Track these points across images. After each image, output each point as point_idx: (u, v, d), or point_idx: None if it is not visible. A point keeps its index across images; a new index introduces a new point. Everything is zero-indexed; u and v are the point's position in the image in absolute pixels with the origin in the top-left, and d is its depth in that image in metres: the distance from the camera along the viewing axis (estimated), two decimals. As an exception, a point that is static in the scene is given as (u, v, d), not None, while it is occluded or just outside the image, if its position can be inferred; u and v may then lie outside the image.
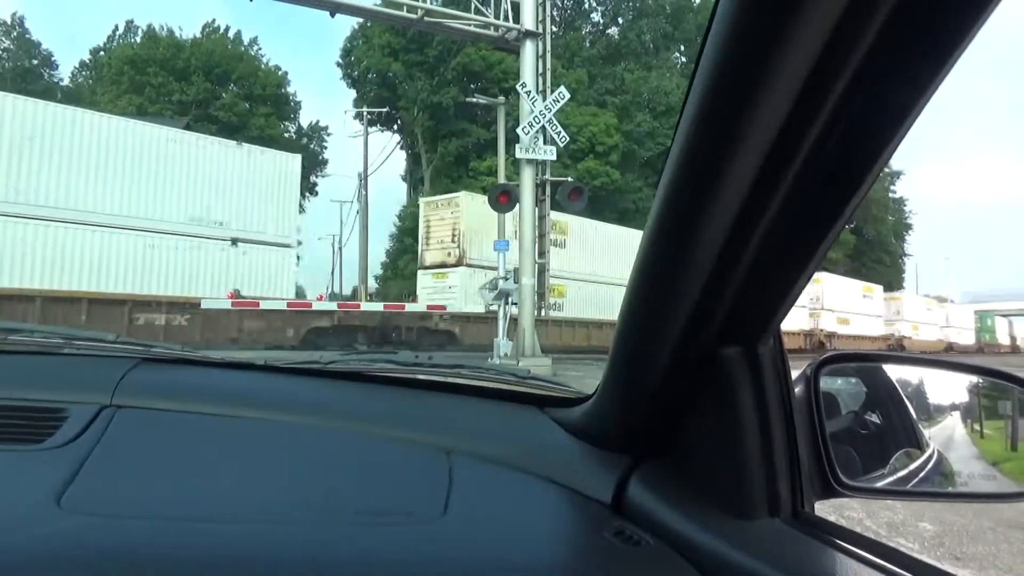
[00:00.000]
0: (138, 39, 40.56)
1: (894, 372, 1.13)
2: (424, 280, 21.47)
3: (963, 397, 1.13)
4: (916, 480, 1.02)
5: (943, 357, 1.11)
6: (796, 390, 0.82)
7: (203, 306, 15.97)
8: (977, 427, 1.10)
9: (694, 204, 0.63)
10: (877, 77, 0.52)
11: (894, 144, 0.56)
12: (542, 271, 14.86)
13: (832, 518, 0.84)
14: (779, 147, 0.57)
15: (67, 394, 0.99)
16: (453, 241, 20.88)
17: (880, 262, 51.83)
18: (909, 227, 58.41)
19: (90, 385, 1.02)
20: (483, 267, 19.77)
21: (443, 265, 20.96)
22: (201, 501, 0.81)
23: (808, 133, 0.56)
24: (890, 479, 1.01)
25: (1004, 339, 63.42)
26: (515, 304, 14.06)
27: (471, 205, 20.88)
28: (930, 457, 1.05)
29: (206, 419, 1.00)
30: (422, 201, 23.86)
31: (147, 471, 0.88)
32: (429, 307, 19.57)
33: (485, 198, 18.75)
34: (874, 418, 1.11)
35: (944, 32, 0.49)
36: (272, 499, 0.83)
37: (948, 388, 1.12)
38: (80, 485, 0.79)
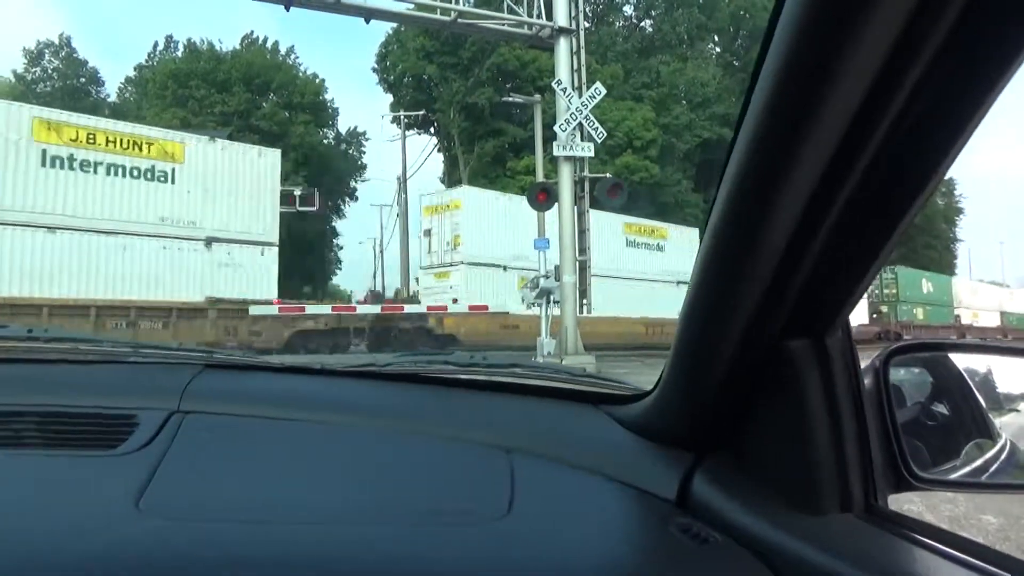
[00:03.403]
0: (179, 54, 41.50)
1: (961, 361, 1.10)
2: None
3: (1034, 384, 1.08)
4: (990, 472, 0.99)
5: (1015, 344, 1.07)
6: (865, 381, 0.80)
7: (251, 312, 16.11)
8: (1050, 415, 1.04)
9: (763, 194, 0.62)
10: (955, 62, 0.51)
11: (968, 132, 0.55)
12: (583, 268, 14.80)
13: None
14: (851, 136, 0.55)
15: (137, 401, 1.02)
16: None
17: (930, 247, 50.05)
18: (960, 211, 56.50)
19: (158, 392, 1.05)
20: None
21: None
22: (269, 503, 0.83)
23: (880, 122, 0.55)
24: (963, 471, 0.98)
25: (990, 320, 39.56)
26: (557, 302, 14.00)
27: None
28: (1003, 448, 1.01)
29: (269, 423, 1.02)
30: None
31: (217, 474, 0.90)
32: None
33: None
34: (942, 408, 1.08)
35: None
36: (338, 501, 0.85)
37: (1018, 375, 1.09)
38: (156, 488, 0.81)
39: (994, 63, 0.50)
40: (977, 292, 40.39)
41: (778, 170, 0.60)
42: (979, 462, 0.99)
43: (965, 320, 36.13)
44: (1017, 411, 1.06)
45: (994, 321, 40.09)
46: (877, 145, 0.57)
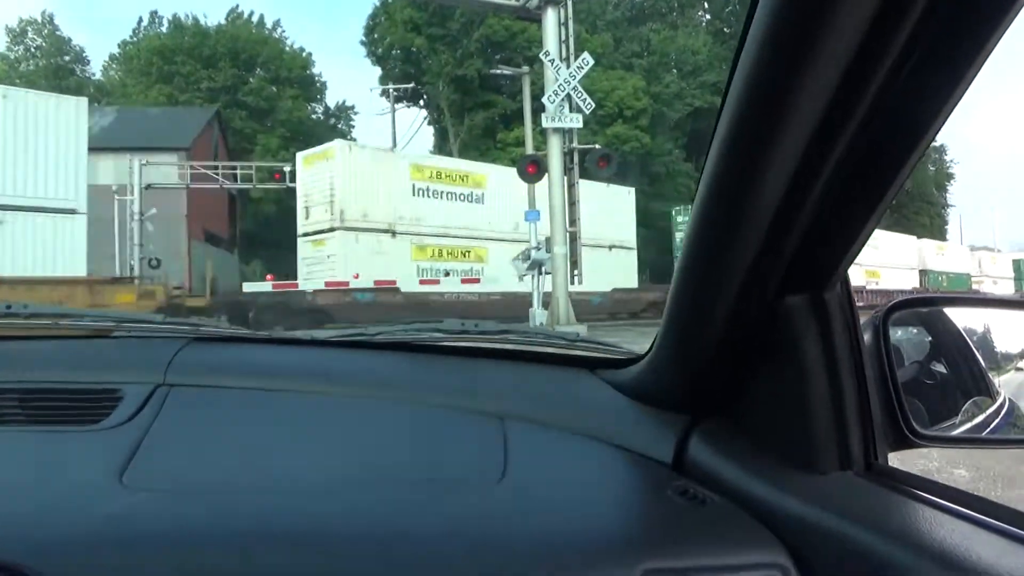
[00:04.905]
0: (164, 29, 40.86)
1: (961, 319, 1.08)
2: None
3: (1034, 340, 1.06)
4: (989, 429, 0.98)
5: (1017, 297, 1.06)
6: (864, 338, 0.78)
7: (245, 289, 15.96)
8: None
9: (755, 150, 0.61)
10: (949, 18, 0.50)
11: (963, 87, 0.54)
12: (573, 239, 14.77)
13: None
14: (844, 88, 0.54)
15: (121, 375, 1.01)
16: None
17: (922, 213, 50.05)
18: (951, 176, 56.47)
19: (143, 365, 1.03)
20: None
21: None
22: (257, 474, 0.81)
23: (873, 77, 0.54)
24: (961, 429, 0.97)
25: (902, 280, 30.08)
26: (548, 273, 13.98)
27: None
28: (1001, 405, 1.00)
29: (257, 394, 1.00)
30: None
31: (204, 447, 0.88)
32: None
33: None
34: (940, 368, 1.07)
35: None
36: (327, 470, 0.83)
37: (1018, 332, 1.08)
38: (140, 462, 0.80)
39: (983, 19, 0.50)
40: (879, 246, 29.17)
41: (771, 125, 0.58)
42: (978, 419, 0.99)
43: (857, 281, 25.80)
44: (1018, 369, 1.05)
45: (909, 282, 30.98)
46: (871, 98, 0.55)
